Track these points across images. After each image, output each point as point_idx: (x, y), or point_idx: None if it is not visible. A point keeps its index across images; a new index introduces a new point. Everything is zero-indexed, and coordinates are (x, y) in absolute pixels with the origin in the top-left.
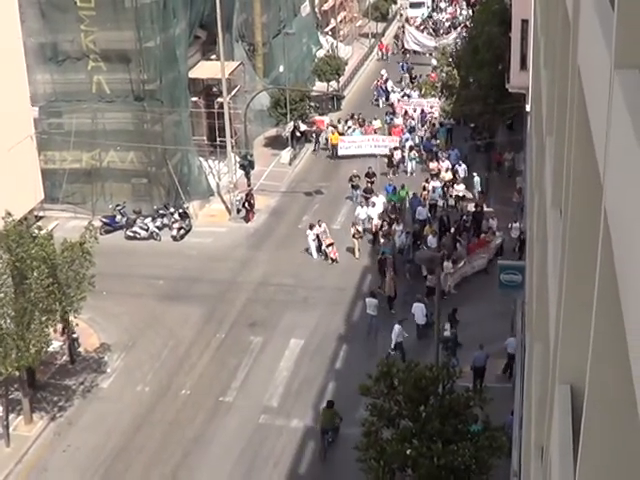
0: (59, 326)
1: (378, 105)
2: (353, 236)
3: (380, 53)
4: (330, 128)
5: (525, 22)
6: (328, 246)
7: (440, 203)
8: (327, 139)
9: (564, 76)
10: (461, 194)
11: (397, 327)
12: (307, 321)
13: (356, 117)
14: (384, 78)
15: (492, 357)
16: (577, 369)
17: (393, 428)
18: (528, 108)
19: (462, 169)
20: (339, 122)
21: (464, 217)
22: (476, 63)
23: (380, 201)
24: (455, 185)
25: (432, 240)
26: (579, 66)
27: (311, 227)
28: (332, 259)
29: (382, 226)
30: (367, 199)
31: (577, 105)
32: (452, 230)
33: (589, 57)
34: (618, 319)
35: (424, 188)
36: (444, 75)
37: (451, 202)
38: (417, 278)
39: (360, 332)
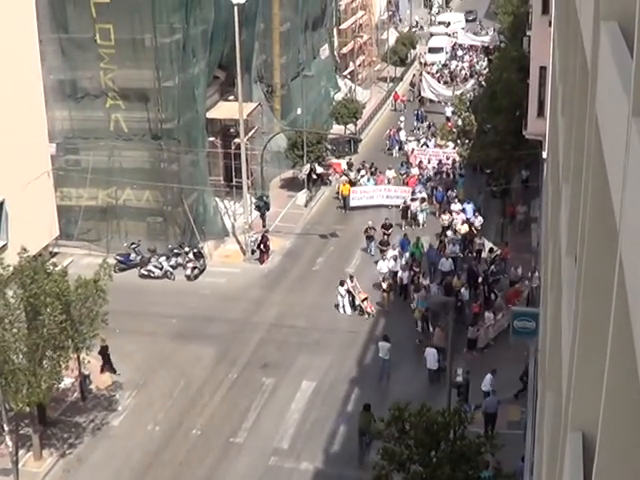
0: (71, 363)
1: (391, 154)
2: (384, 290)
3: (395, 104)
4: (343, 177)
5: (543, 69)
6: (363, 300)
7: (461, 255)
8: (338, 189)
9: (581, 123)
10: (485, 246)
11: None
12: (319, 363)
13: (368, 166)
14: (397, 127)
15: (504, 403)
16: (589, 416)
17: (404, 472)
18: (545, 155)
19: (478, 221)
20: (351, 170)
21: (492, 268)
22: (493, 109)
23: (395, 255)
24: (476, 239)
25: (465, 292)
26: (597, 113)
27: (342, 283)
28: (368, 313)
29: (413, 280)
30: (383, 252)
31: (594, 153)
32: (480, 280)
33: (607, 104)
34: (632, 368)
35: (441, 241)
36: (461, 121)
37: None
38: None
39: (372, 376)
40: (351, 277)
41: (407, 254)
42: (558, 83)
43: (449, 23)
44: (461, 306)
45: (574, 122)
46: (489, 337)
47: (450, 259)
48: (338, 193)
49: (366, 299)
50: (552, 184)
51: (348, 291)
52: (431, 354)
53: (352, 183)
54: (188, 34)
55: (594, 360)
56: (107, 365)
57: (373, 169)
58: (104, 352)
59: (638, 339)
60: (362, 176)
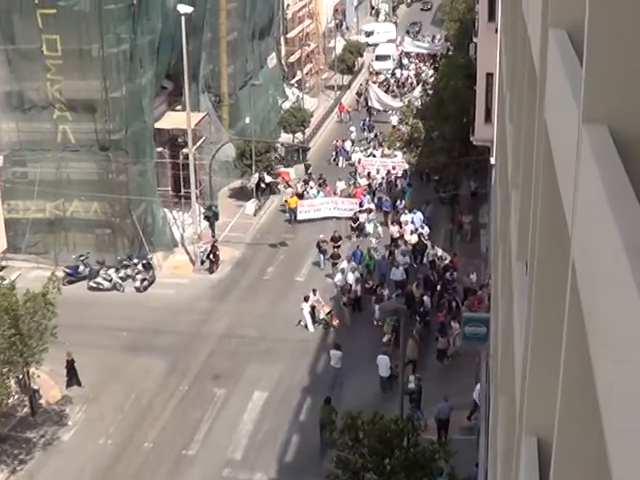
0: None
1: (337, 165)
2: (344, 304)
3: (340, 115)
4: (289, 190)
5: (490, 76)
6: (328, 314)
7: (414, 265)
8: (285, 202)
9: (530, 129)
10: (438, 255)
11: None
12: (271, 373)
13: (316, 177)
14: (342, 138)
15: (456, 409)
16: (544, 421)
17: None
18: (493, 161)
19: (425, 231)
20: (297, 182)
21: (447, 276)
22: (441, 116)
23: (349, 267)
24: (429, 250)
25: (427, 300)
26: (546, 119)
27: (306, 299)
28: (333, 326)
29: (373, 291)
30: (335, 265)
31: (544, 159)
32: (438, 289)
33: (556, 111)
34: (586, 371)
35: (391, 252)
36: (409, 127)
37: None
38: (425, 340)
39: (324, 384)
40: (314, 291)
41: (359, 266)
42: (506, 90)
43: (371, 33)
44: (425, 315)
45: (523, 128)
46: (457, 346)
47: (401, 268)
48: (284, 205)
49: (330, 312)
50: (501, 190)
51: (312, 306)
52: (383, 361)
53: (300, 195)
54: (135, 44)
55: (548, 364)
56: (74, 379)
57: (321, 181)
58: (70, 366)
59: (592, 343)
60: (311, 188)
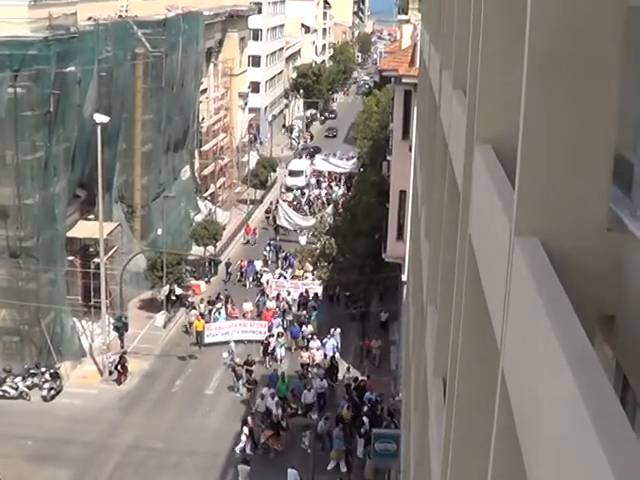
0: None
1: (245, 285)
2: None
3: (246, 237)
4: (193, 311)
5: (403, 193)
6: (269, 438)
7: (332, 387)
8: (189, 324)
9: (451, 244)
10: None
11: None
12: None
13: (223, 297)
14: (249, 258)
15: None
16: None
17: None
18: (404, 277)
19: (337, 356)
20: (201, 302)
21: (372, 397)
22: (353, 232)
23: (269, 392)
24: (346, 374)
25: (367, 421)
26: (470, 234)
27: (244, 422)
28: (276, 450)
29: (304, 416)
30: (250, 390)
31: (468, 273)
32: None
33: (484, 225)
34: None
35: (303, 375)
36: (321, 244)
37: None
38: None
39: None
40: (252, 414)
41: (273, 391)
42: (421, 206)
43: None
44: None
45: (441, 244)
46: None
47: (313, 391)
48: (187, 327)
49: (272, 436)
50: (414, 306)
51: (251, 430)
52: (292, 475)
53: (202, 315)
54: (50, 152)
55: None
56: None
57: (229, 301)
58: None
59: (528, 457)
60: (218, 309)
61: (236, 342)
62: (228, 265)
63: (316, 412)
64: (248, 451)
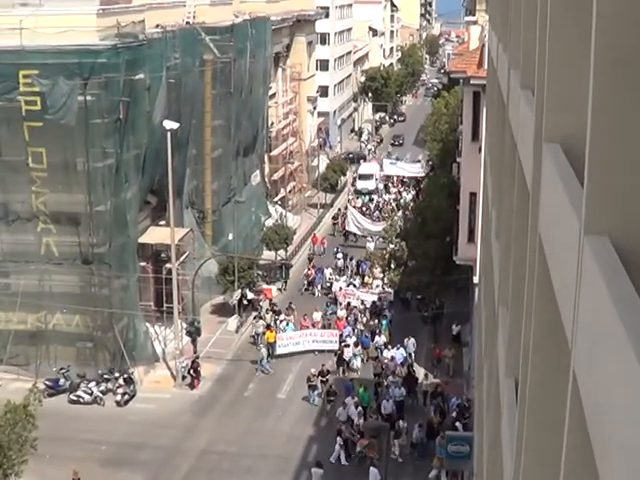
0: None
1: (313, 294)
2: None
3: (313, 247)
4: (260, 322)
5: (473, 195)
6: (365, 447)
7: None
8: (256, 334)
9: (521, 245)
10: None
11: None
12: None
13: (294, 307)
14: (318, 267)
15: None
16: None
17: None
18: (476, 280)
19: (415, 365)
20: (267, 312)
21: (458, 402)
22: (424, 235)
23: (353, 402)
24: (424, 381)
25: (460, 427)
26: (540, 234)
27: (339, 433)
28: (371, 458)
29: (393, 425)
30: (330, 402)
31: (539, 273)
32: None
33: (553, 225)
34: None
35: (380, 384)
36: (392, 247)
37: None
38: None
39: None
40: (344, 423)
41: (355, 400)
42: (491, 208)
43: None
44: None
45: (512, 244)
46: None
47: (391, 401)
48: (254, 338)
49: (368, 445)
50: (486, 307)
51: (345, 440)
52: (373, 474)
53: (268, 327)
54: (121, 158)
55: None
56: None
57: (296, 312)
58: None
59: (600, 459)
60: (281, 321)
61: (306, 352)
62: (308, 276)
63: (402, 420)
64: (343, 461)
